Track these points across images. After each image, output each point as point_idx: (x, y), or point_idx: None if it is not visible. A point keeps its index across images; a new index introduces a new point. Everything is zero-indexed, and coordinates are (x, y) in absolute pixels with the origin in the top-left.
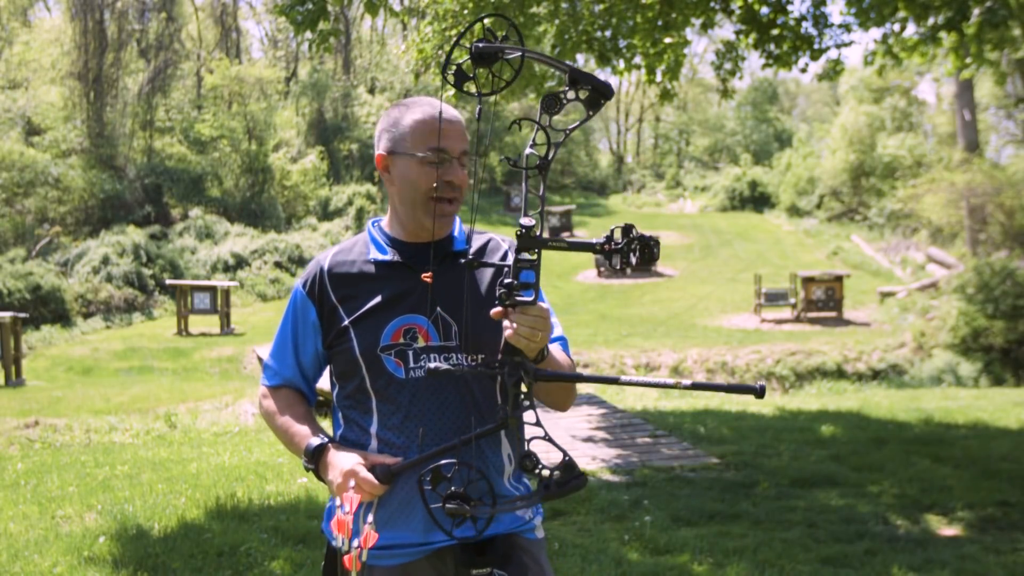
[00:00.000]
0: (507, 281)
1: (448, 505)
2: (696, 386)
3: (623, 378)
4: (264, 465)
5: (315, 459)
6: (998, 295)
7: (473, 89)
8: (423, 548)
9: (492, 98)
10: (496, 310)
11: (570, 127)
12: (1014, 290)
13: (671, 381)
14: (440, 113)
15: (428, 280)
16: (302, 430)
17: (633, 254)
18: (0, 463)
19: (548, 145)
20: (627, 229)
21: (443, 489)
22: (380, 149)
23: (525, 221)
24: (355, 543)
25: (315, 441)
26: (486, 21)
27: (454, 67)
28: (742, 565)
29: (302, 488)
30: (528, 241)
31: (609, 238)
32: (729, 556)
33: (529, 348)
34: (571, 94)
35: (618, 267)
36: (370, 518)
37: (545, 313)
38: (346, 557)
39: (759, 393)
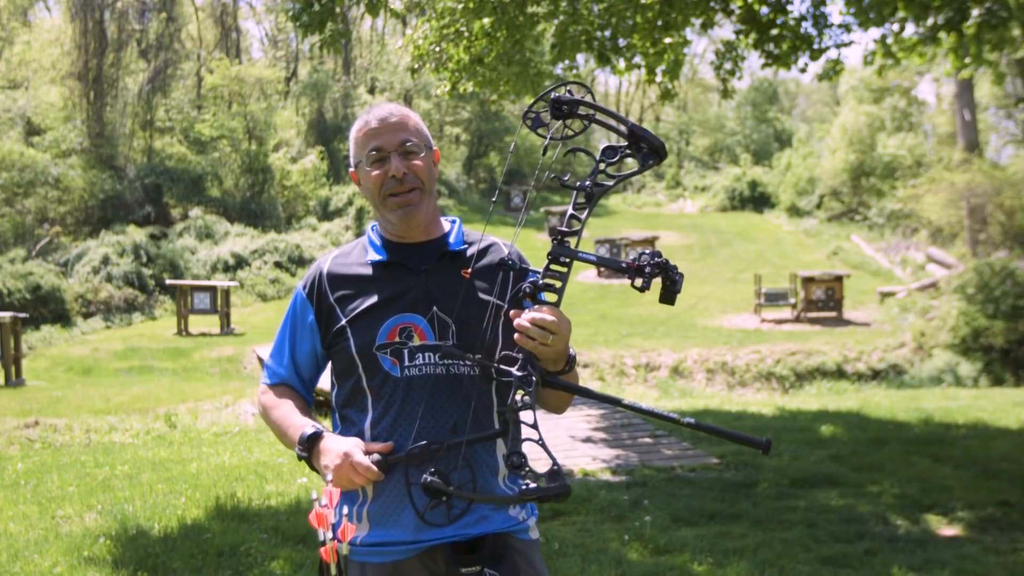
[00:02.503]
0: (532, 280)
1: (427, 478)
2: (699, 427)
3: (626, 400)
4: (264, 465)
5: (309, 447)
6: (998, 295)
7: (544, 132)
8: (415, 546)
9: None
10: (515, 311)
11: (620, 175)
12: (1014, 290)
13: (674, 415)
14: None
15: (466, 276)
16: (297, 421)
17: (653, 277)
18: (0, 463)
19: (595, 173)
20: (661, 264)
21: (426, 469)
22: (351, 167)
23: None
24: (331, 535)
25: (310, 429)
26: (567, 87)
27: (533, 115)
28: (742, 565)
29: (302, 488)
30: (560, 250)
31: (636, 260)
32: (729, 556)
33: (539, 350)
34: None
35: (639, 288)
36: (345, 510)
37: (555, 315)
38: (323, 549)
39: (765, 448)
